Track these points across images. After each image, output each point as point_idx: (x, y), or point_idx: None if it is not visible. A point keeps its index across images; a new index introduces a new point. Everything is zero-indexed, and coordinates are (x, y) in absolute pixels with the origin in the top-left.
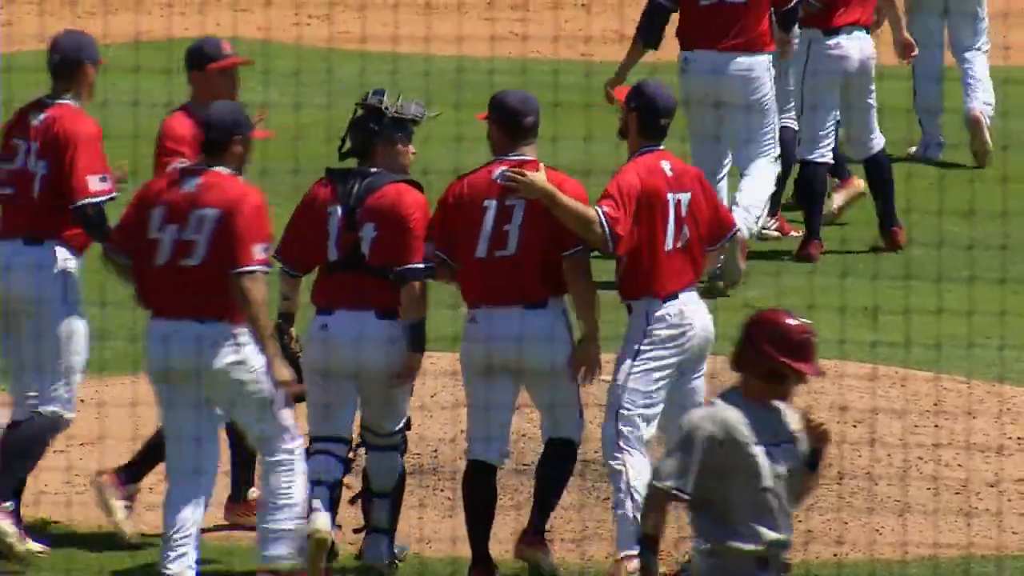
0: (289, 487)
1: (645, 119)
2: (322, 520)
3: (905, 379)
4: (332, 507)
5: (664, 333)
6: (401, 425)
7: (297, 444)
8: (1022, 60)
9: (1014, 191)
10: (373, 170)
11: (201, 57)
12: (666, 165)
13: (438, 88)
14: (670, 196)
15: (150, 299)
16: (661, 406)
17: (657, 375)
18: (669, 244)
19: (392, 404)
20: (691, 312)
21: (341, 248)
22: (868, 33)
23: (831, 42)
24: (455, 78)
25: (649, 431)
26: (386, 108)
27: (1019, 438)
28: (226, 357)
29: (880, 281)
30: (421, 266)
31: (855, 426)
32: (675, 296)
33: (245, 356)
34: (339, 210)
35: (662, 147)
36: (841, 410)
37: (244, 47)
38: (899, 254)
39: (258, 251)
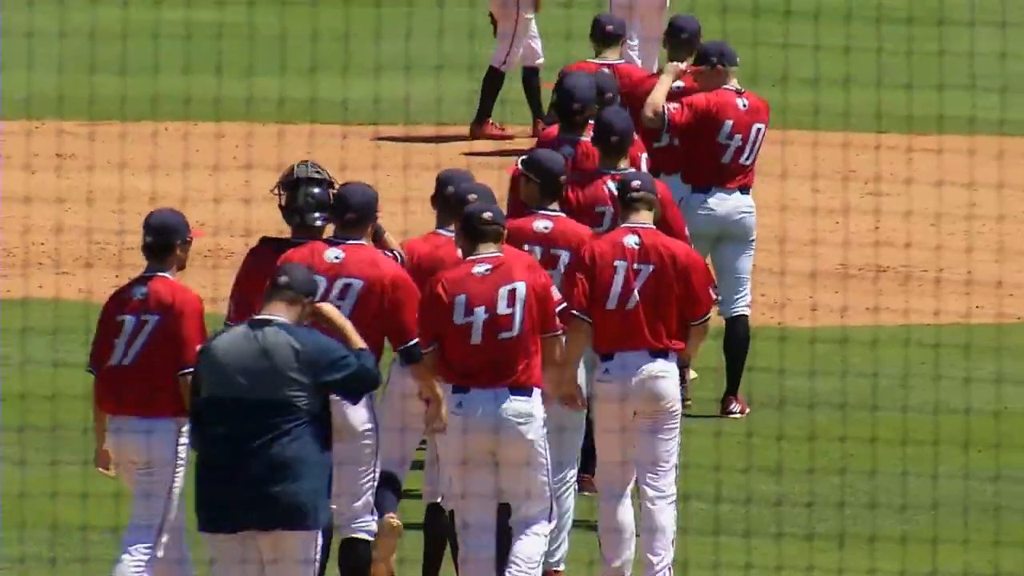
0: None
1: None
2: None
3: None
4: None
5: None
6: None
7: None
8: (831, 320)
9: (820, 448)
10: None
11: None
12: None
13: None
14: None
15: None
16: None
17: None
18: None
19: None
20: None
21: None
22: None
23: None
24: None
25: None
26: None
27: None
28: None
29: (689, 536)
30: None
31: None
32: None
33: None
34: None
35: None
36: None
37: (66, 309)
38: (708, 508)
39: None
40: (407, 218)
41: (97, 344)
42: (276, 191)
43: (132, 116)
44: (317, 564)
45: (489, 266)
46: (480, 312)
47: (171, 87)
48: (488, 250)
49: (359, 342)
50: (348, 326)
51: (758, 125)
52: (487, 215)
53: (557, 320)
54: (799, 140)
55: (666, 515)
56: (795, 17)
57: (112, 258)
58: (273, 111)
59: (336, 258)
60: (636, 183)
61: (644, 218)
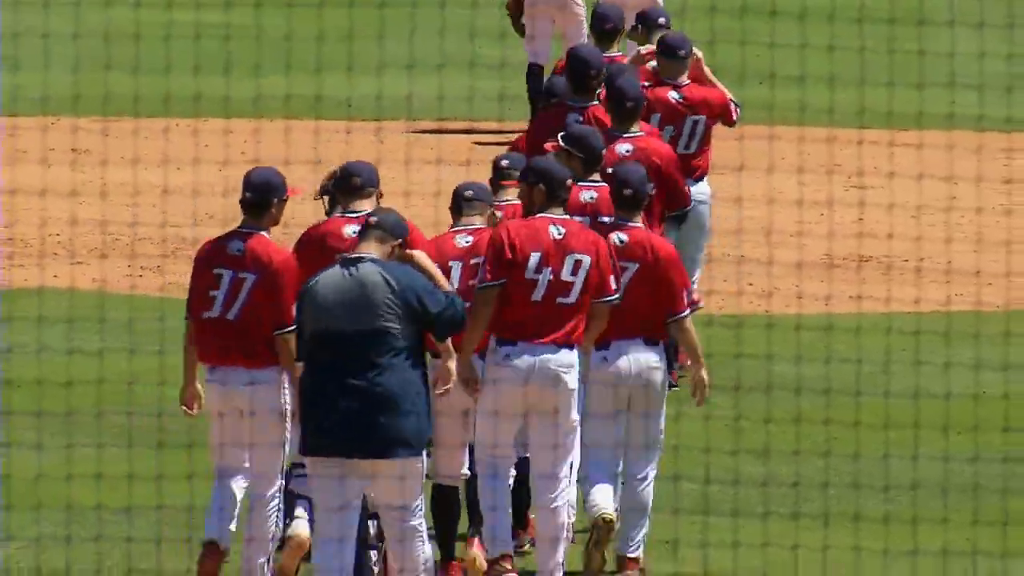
0: None
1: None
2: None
3: None
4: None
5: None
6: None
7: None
8: (816, 309)
9: (806, 432)
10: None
11: None
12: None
13: None
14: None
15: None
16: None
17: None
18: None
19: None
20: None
21: None
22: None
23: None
24: None
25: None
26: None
27: None
28: None
29: (680, 516)
30: None
31: None
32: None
33: None
34: None
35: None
36: None
37: (80, 298)
38: (698, 489)
39: None
40: (408, 211)
41: (192, 294)
42: (320, 197)
43: (144, 113)
44: (422, 481)
45: (563, 230)
46: (547, 273)
47: (182, 85)
48: (558, 213)
49: (448, 287)
50: (437, 272)
51: (695, 117)
52: (569, 182)
53: (613, 285)
54: (785, 135)
55: (645, 494)
56: (781, 17)
57: (125, 248)
58: (280, 108)
59: (354, 232)
60: (628, 192)
61: (635, 218)
